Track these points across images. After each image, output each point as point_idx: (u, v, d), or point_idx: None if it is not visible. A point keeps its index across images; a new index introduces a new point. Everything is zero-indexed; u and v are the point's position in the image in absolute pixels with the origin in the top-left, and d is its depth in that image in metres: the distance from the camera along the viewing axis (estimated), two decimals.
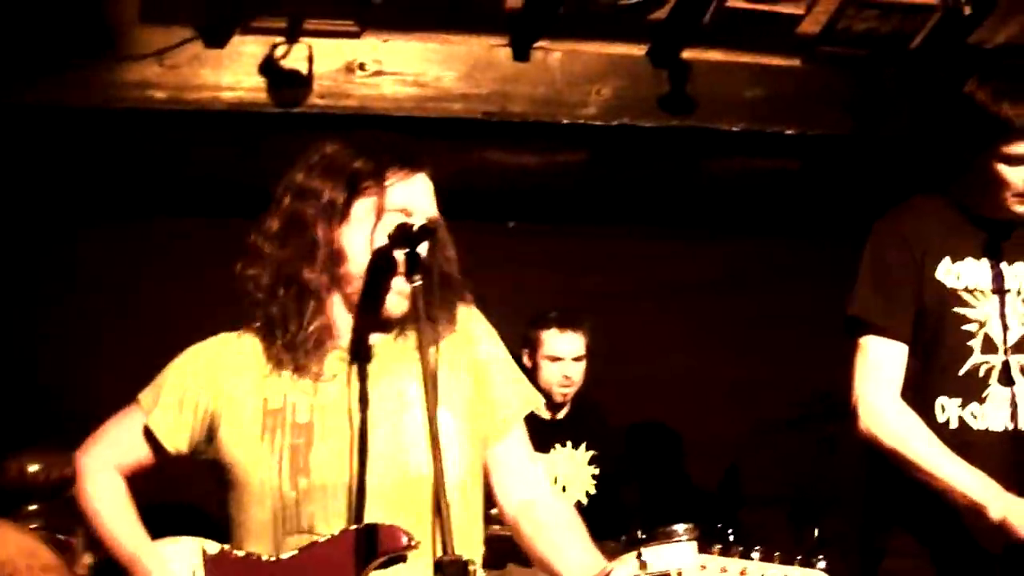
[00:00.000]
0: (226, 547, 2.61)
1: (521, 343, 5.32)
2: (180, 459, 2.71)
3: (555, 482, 5.17)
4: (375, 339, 2.65)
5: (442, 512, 2.12)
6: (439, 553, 2.21)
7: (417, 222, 2.55)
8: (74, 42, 4.60)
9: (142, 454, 2.71)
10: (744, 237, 6.07)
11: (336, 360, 2.62)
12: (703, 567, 2.35)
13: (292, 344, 2.60)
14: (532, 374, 5.24)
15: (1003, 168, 3.17)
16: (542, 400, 2.85)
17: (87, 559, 2.44)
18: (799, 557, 2.36)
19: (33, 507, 2.32)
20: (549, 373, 5.26)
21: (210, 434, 2.66)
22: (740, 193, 5.90)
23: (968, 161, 3.28)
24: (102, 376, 4.69)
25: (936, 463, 3.15)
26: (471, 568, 2.17)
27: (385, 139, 2.71)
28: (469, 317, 2.77)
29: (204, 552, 2.61)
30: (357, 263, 2.58)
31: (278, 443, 2.57)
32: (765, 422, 5.49)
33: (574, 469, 5.26)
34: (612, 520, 4.85)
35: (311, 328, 2.60)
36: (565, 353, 5.26)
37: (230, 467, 2.62)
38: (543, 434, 4.93)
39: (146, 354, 2.81)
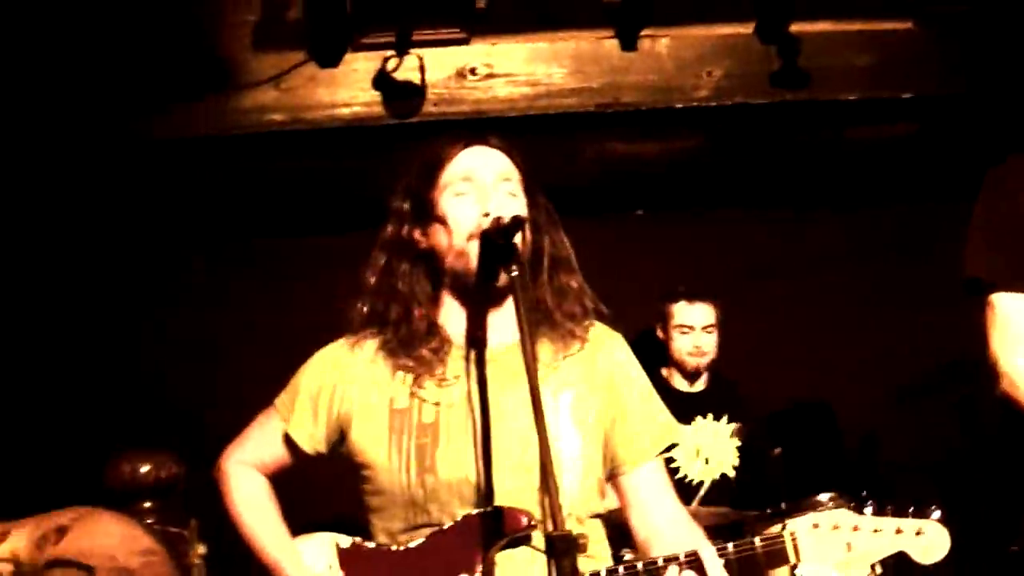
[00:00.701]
0: (358, 540, 2.72)
1: (655, 319, 5.46)
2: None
3: (697, 454, 5.24)
4: (502, 343, 2.71)
5: (550, 489, 2.18)
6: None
7: (490, 192, 2.66)
8: (192, 75, 4.78)
9: (282, 456, 2.84)
10: (867, 208, 6.02)
11: (457, 360, 2.71)
12: (815, 525, 2.40)
13: (407, 344, 2.71)
14: (665, 346, 5.40)
15: None
16: (679, 434, 2.87)
17: (200, 549, 2.58)
18: (911, 508, 2.39)
19: (147, 504, 2.46)
20: (681, 343, 5.39)
21: (342, 435, 2.77)
22: (859, 163, 5.85)
23: None
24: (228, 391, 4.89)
25: None
26: (582, 542, 2.19)
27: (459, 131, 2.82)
28: (610, 338, 2.84)
29: (338, 546, 2.72)
30: (456, 258, 2.68)
31: (405, 443, 2.67)
32: (902, 388, 5.43)
33: (717, 441, 5.30)
34: (756, 492, 4.88)
35: (422, 329, 2.71)
36: (695, 323, 5.37)
37: (361, 467, 2.73)
38: (683, 406, 4.98)
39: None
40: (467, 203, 2.67)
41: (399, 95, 4.93)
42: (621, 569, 2.48)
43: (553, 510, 2.16)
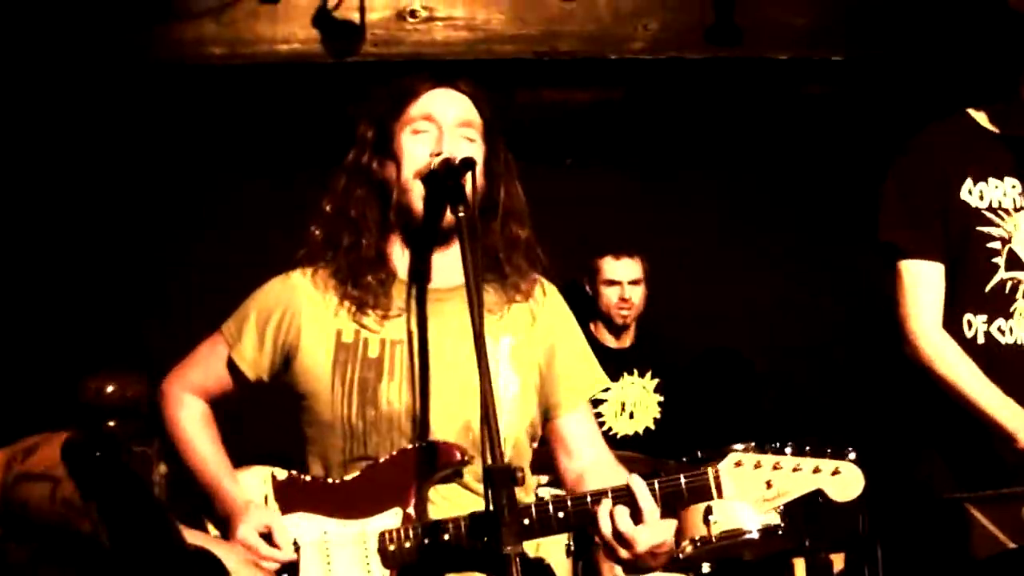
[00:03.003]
0: (294, 472, 2.79)
1: (582, 273, 5.57)
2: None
3: (623, 409, 5.40)
4: (447, 284, 2.79)
5: (490, 423, 2.23)
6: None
7: (447, 134, 2.73)
8: (137, 4, 4.78)
9: (225, 382, 2.89)
10: (793, 166, 6.10)
11: (401, 294, 2.78)
12: (738, 464, 2.52)
13: (355, 271, 2.77)
14: (594, 301, 5.51)
15: None
16: (608, 382, 2.98)
17: (163, 468, 2.63)
18: (829, 450, 2.51)
19: (111, 423, 2.52)
20: (608, 297, 5.50)
21: (287, 364, 2.83)
22: (784, 121, 5.95)
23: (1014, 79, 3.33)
24: None
25: (974, 388, 3.25)
26: (519, 475, 2.24)
27: (424, 72, 2.87)
28: (551, 291, 2.93)
29: (274, 478, 2.78)
30: (402, 193, 2.75)
31: (349, 375, 2.74)
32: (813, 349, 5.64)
33: (641, 396, 5.47)
34: (677, 445, 5.04)
35: (370, 257, 2.78)
36: (622, 276, 5.49)
37: (302, 396, 2.80)
38: (611, 362, 5.12)
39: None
40: (422, 141, 2.75)
41: (338, 34, 4.97)
42: (551, 505, 2.56)
43: (492, 443, 2.21)
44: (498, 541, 2.15)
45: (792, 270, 6.05)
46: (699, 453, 4.51)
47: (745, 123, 5.94)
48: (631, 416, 5.43)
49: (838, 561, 5.09)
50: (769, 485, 2.50)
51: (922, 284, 3.35)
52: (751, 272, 6.05)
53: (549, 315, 2.90)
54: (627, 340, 5.60)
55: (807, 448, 2.51)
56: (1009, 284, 3.33)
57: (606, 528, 2.50)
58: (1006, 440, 3.22)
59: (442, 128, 2.76)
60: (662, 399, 5.50)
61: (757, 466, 2.51)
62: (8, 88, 4.90)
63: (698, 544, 4.49)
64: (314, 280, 2.85)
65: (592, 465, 2.86)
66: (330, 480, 2.75)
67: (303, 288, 2.85)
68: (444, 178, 2.62)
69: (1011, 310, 3.33)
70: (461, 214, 2.50)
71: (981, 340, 3.32)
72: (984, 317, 3.33)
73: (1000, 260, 3.33)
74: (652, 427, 5.46)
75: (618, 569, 4.56)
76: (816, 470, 2.49)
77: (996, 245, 3.34)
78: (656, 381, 5.52)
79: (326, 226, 2.85)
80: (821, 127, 5.85)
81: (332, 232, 2.83)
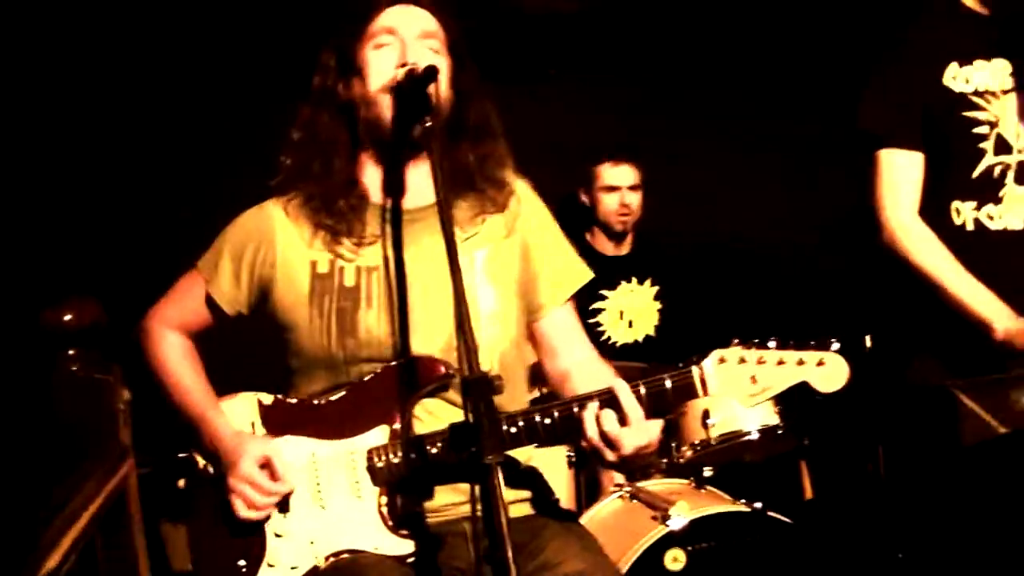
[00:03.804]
0: (280, 396, 2.81)
1: (578, 184, 5.56)
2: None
3: (621, 317, 5.39)
4: (420, 202, 2.77)
5: (465, 332, 2.22)
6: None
7: (410, 46, 2.70)
8: None
9: (204, 317, 2.90)
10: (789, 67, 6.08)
11: (376, 218, 2.78)
12: (722, 360, 2.52)
13: (327, 198, 2.76)
14: (591, 211, 5.50)
15: None
16: (591, 274, 2.96)
17: (125, 395, 2.64)
18: (812, 342, 2.50)
19: (71, 352, 2.52)
20: (607, 204, 5.49)
21: (264, 296, 2.83)
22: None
23: None
24: None
25: (948, 277, 3.25)
26: (497, 383, 2.23)
27: None
28: (523, 192, 2.91)
29: (260, 403, 2.80)
30: (369, 108, 2.73)
31: (327, 306, 2.74)
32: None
33: (639, 304, 5.47)
34: (678, 351, 5.03)
35: (341, 182, 2.77)
36: (621, 182, 5.48)
37: (283, 328, 2.81)
38: (608, 270, 5.15)
39: None
40: (385, 54, 2.73)
41: None
42: (537, 413, 2.56)
43: (469, 353, 2.21)
44: (479, 451, 2.15)
45: (790, 173, 6.03)
46: (694, 358, 4.50)
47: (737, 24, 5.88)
48: (630, 324, 5.43)
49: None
50: (754, 380, 2.50)
51: (898, 173, 3.35)
52: (747, 179, 6.03)
53: (523, 219, 2.89)
54: (625, 248, 5.59)
55: (790, 342, 2.50)
56: (998, 169, 3.31)
57: (592, 432, 2.50)
58: (982, 329, 3.20)
59: (404, 40, 2.73)
60: (661, 306, 5.50)
61: (741, 361, 2.51)
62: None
63: (698, 448, 4.51)
64: (287, 210, 2.84)
65: (577, 364, 2.87)
66: (316, 401, 2.76)
67: (277, 219, 2.84)
68: (409, 88, 2.59)
69: (1000, 195, 3.31)
70: (428, 123, 2.48)
71: (970, 227, 3.31)
72: (973, 204, 3.31)
73: (988, 145, 3.31)
74: (652, 334, 5.47)
75: (618, 477, 4.61)
76: (800, 362, 2.48)
77: (983, 130, 3.32)
78: (655, 288, 5.51)
79: (296, 154, 2.84)
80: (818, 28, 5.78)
81: (302, 159, 2.82)
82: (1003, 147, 3.31)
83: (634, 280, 5.48)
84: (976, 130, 3.31)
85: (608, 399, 2.50)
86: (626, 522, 4.28)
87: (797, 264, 5.89)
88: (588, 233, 5.57)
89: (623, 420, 2.48)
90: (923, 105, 3.32)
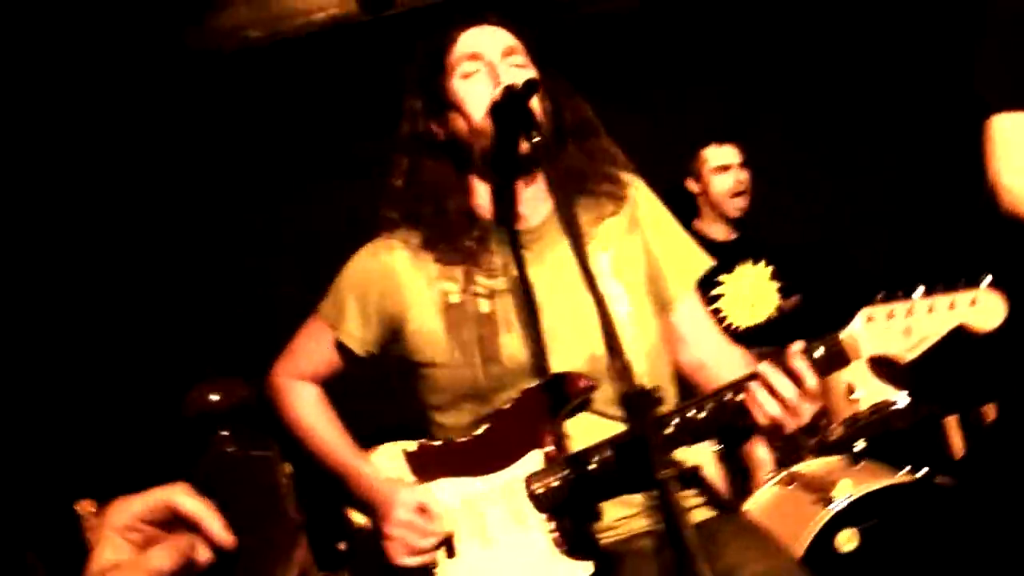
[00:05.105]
0: (424, 441, 2.78)
1: (683, 175, 5.50)
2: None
3: (742, 301, 5.30)
4: (539, 217, 2.76)
5: (616, 348, 2.16)
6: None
7: (498, 67, 2.67)
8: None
9: (334, 363, 2.88)
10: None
11: (501, 245, 2.74)
12: (870, 318, 2.44)
13: (448, 238, 2.73)
14: (702, 197, 5.45)
15: None
16: (711, 261, 2.92)
17: (287, 468, 2.63)
18: (961, 282, 2.41)
19: (224, 432, 2.52)
20: (721, 184, 5.42)
21: (395, 335, 2.80)
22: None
23: None
24: None
25: None
26: (658, 395, 2.19)
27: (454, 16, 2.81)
28: (638, 191, 2.87)
29: (405, 452, 2.77)
30: (477, 138, 2.69)
31: (466, 336, 2.70)
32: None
33: (760, 284, 5.37)
34: (804, 330, 4.94)
35: (460, 220, 2.73)
36: (731, 160, 5.42)
37: (420, 365, 2.77)
38: (723, 255, 5.05)
39: None
40: (477, 81, 2.70)
41: None
42: (693, 408, 2.51)
43: (624, 368, 2.15)
44: (650, 468, 2.10)
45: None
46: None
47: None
48: (752, 306, 5.32)
49: (990, 412, 4.96)
50: (908, 332, 2.42)
51: (1013, 136, 3.15)
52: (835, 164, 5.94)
53: (641, 214, 2.85)
54: (733, 232, 5.49)
55: (938, 286, 2.41)
56: None
57: (770, 407, 2.42)
58: None
59: (491, 63, 2.70)
60: (780, 285, 5.39)
61: (890, 316, 2.43)
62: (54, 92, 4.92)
63: (849, 424, 4.39)
64: (404, 246, 2.81)
65: (711, 352, 2.84)
66: (462, 439, 2.73)
67: (397, 255, 2.82)
68: (511, 107, 2.56)
69: None
70: (537, 139, 2.46)
71: None
72: None
73: None
74: (775, 315, 5.34)
75: (768, 464, 4.52)
76: (952, 306, 2.40)
77: None
78: (771, 268, 5.40)
79: (401, 204, 2.82)
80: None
81: (412, 207, 2.80)
82: None
83: (750, 261, 5.38)
84: None
85: (782, 367, 2.43)
86: (790, 509, 4.19)
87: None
88: (695, 222, 5.49)
89: (800, 386, 2.41)
90: None
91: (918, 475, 4.05)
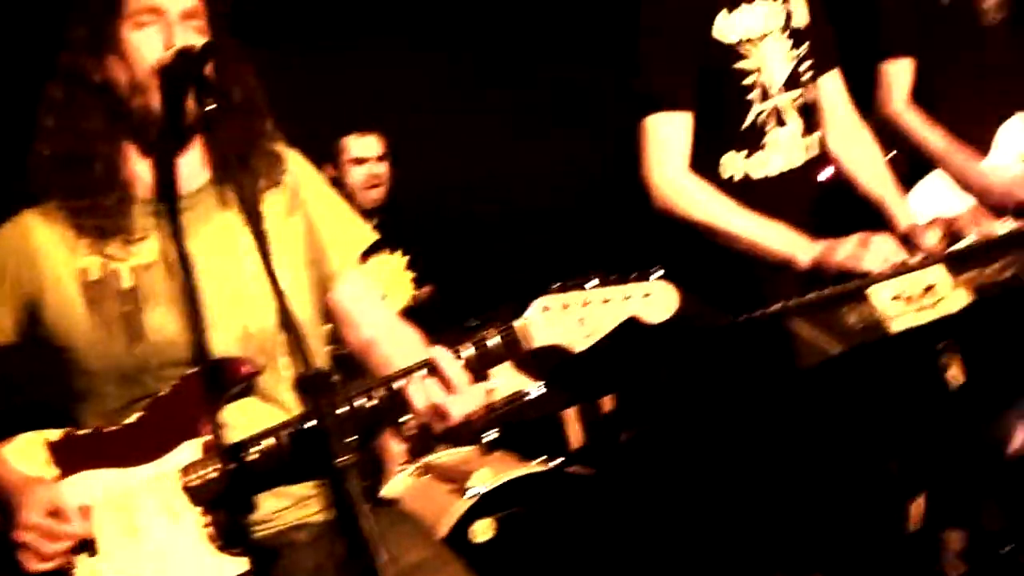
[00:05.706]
0: (69, 429, 2.58)
1: (323, 160, 5.40)
2: None
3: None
4: (192, 188, 2.62)
5: (293, 329, 2.09)
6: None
7: (175, 26, 2.52)
8: None
9: None
10: None
11: (144, 214, 2.59)
12: (545, 308, 2.44)
13: (87, 193, 2.55)
14: (339, 183, 5.39)
15: None
16: (375, 235, 2.88)
17: None
18: (634, 274, 2.45)
19: None
20: (355, 176, 5.41)
21: (33, 319, 2.62)
22: None
23: None
24: None
25: (734, 223, 3.21)
26: (333, 379, 2.12)
27: None
28: (295, 167, 2.77)
29: (46, 441, 2.56)
30: (136, 94, 2.53)
31: (107, 314, 2.55)
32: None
33: (392, 275, 5.39)
34: (443, 319, 4.98)
35: (103, 176, 2.56)
36: (369, 153, 5.41)
37: (61, 350, 2.60)
38: None
39: None
40: (149, 35, 2.53)
41: None
42: (363, 397, 2.43)
43: (300, 348, 2.07)
44: (321, 456, 2.02)
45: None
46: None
47: None
48: (386, 297, 5.30)
49: (606, 403, 5.16)
50: (582, 322, 2.44)
51: (665, 136, 3.29)
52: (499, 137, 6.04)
53: (303, 191, 2.76)
54: (368, 222, 5.42)
55: (612, 277, 2.44)
56: (761, 117, 3.33)
57: (421, 404, 2.41)
58: (786, 266, 3.18)
59: (169, 21, 2.53)
60: (414, 275, 5.45)
61: (565, 307, 2.44)
62: None
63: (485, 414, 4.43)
64: (46, 217, 2.62)
65: (380, 330, 2.77)
66: (111, 428, 2.56)
67: (35, 229, 2.62)
68: (184, 70, 2.42)
69: (763, 143, 3.33)
70: (211, 106, 2.31)
71: (739, 177, 3.32)
72: (744, 154, 3.32)
73: (755, 95, 3.33)
74: (412, 303, 5.39)
75: (397, 449, 4.53)
76: (626, 297, 2.44)
77: (750, 80, 3.31)
78: (407, 258, 5.47)
79: (52, 144, 2.60)
80: None
81: (60, 150, 2.59)
82: (765, 94, 3.32)
83: (385, 251, 5.40)
84: (744, 82, 3.30)
85: (431, 368, 2.41)
86: (425, 500, 4.19)
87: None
88: None
89: (448, 388, 2.40)
90: (694, 60, 3.27)
91: (551, 464, 4.15)
